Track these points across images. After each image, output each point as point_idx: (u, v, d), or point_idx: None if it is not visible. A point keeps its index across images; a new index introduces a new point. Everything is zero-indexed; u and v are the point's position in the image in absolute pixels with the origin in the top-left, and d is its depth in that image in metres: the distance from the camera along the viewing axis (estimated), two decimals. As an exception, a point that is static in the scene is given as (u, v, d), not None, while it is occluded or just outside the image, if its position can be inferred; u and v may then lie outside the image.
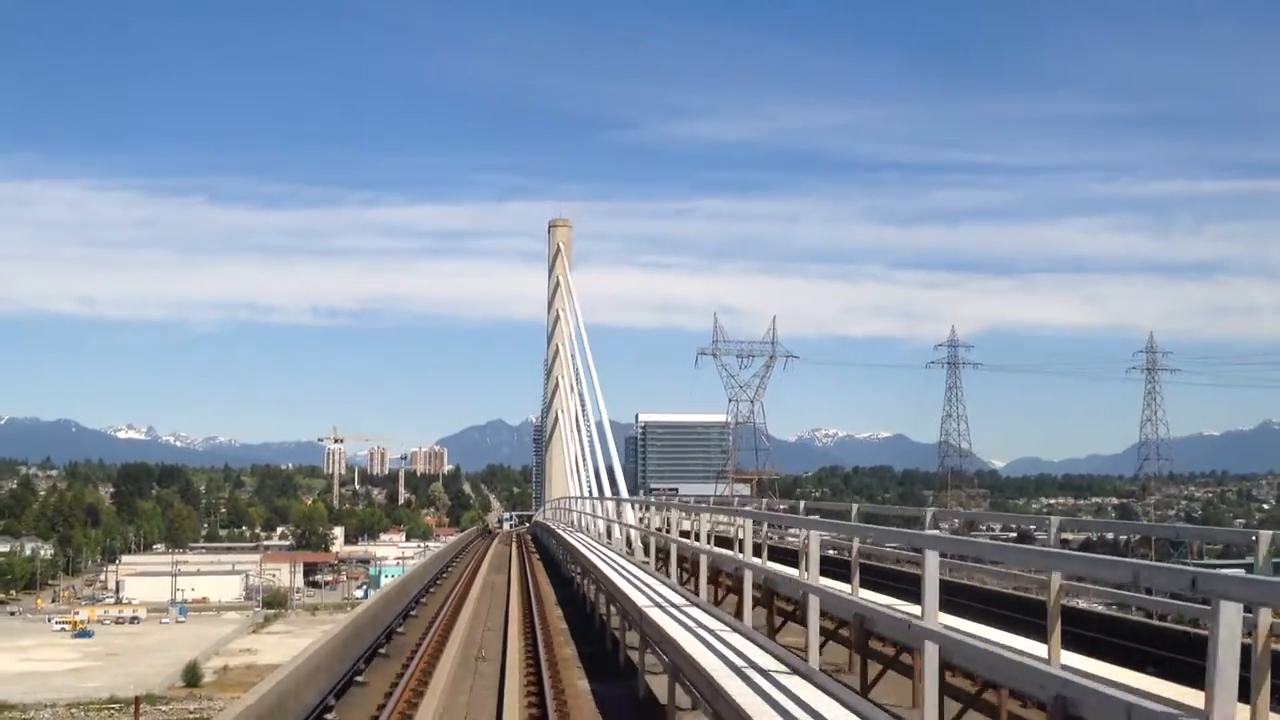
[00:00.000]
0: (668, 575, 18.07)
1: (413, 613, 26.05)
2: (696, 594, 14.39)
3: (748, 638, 10.35)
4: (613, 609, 16.88)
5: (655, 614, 12.36)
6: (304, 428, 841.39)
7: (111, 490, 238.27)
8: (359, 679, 16.83)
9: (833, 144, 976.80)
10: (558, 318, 62.43)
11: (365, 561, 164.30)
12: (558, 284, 63.98)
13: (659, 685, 11.87)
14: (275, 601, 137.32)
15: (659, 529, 22.10)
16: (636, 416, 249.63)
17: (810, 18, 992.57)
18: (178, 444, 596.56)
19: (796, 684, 8.09)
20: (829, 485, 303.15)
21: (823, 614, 9.68)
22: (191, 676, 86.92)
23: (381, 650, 19.64)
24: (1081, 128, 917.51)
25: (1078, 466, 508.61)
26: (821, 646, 9.62)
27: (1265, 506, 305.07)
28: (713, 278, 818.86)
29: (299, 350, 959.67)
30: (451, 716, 13.91)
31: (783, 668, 8.77)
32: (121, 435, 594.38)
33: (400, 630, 22.62)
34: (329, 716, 13.93)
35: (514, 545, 49.09)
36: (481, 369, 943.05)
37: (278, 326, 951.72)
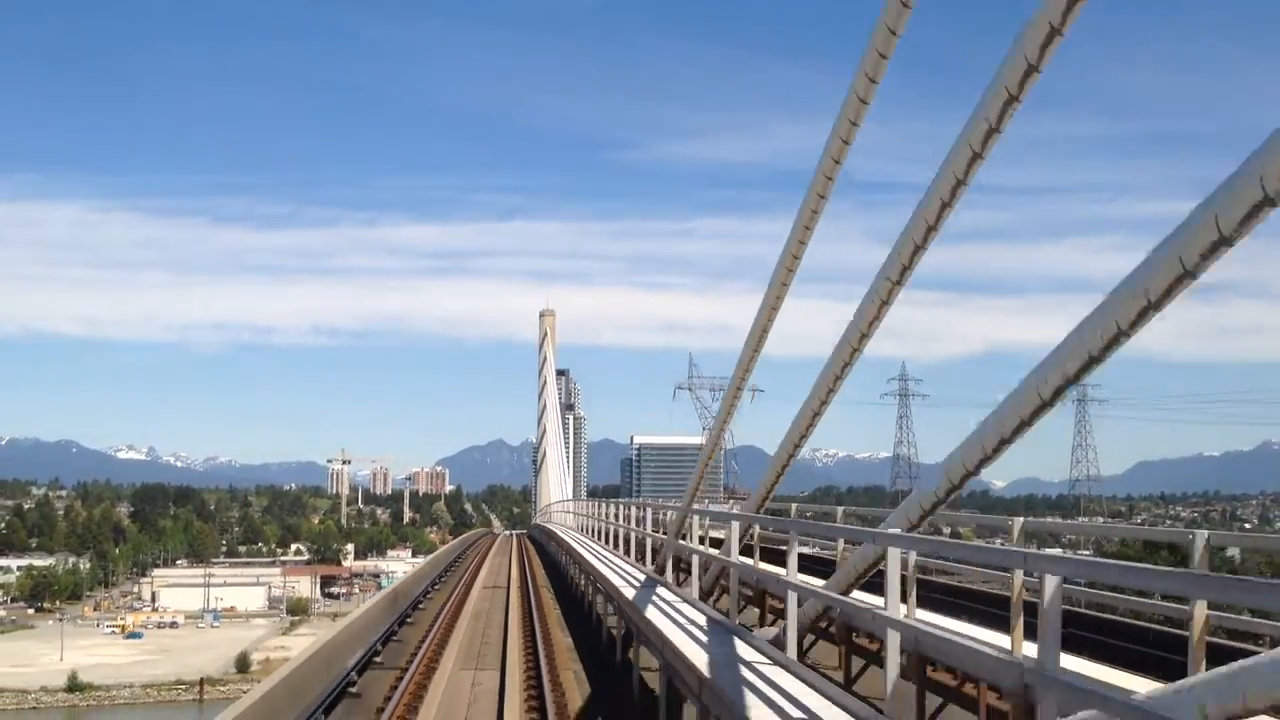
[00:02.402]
0: (592, 537, 37.09)
1: (471, 549, 60.90)
2: (605, 543, 33.27)
3: (620, 558, 29.09)
4: (555, 544, 36.15)
5: (572, 541, 31.47)
6: (304, 448, 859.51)
7: (129, 510, 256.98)
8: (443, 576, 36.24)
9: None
10: (546, 382, 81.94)
11: (376, 575, 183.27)
12: (545, 358, 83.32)
13: (570, 568, 31.04)
14: (298, 609, 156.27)
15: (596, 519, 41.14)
16: (632, 438, 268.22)
17: (810, 38, 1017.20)
18: (178, 464, 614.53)
19: (630, 569, 26.98)
20: (822, 505, 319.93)
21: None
22: (242, 664, 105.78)
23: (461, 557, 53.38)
24: (1083, 148, 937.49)
25: (1078, 487, 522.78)
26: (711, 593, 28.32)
27: (1247, 526, 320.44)
28: (714, 297, 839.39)
29: (300, 370, 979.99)
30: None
31: (629, 566, 27.62)
32: (122, 455, 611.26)
33: (466, 552, 57.98)
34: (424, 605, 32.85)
35: (514, 537, 73.57)
36: (482, 389, 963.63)
37: (278, 347, 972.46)
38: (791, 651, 10.39)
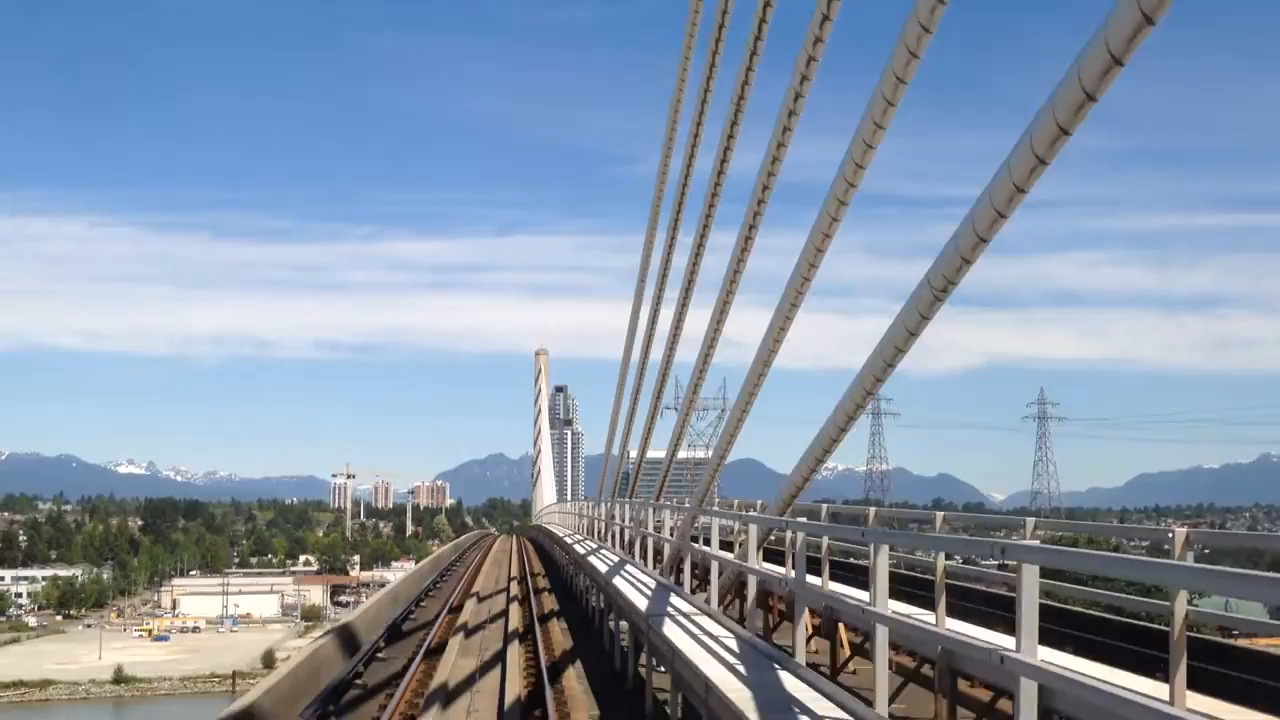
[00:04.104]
0: (574, 530, 50.59)
1: (483, 539, 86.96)
2: (579, 532, 46.68)
3: (589, 541, 42.54)
4: (542, 533, 49.96)
5: (559, 532, 45.16)
6: (305, 462, 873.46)
7: (139, 523, 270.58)
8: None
9: (831, 177, 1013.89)
10: (541, 410, 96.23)
11: (383, 585, 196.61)
12: (540, 390, 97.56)
13: (554, 549, 44.79)
14: (311, 615, 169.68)
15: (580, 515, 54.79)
16: (628, 453, 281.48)
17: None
18: (178, 478, 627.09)
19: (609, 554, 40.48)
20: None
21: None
22: (268, 661, 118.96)
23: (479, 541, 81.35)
24: (1080, 161, 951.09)
25: (1078, 500, 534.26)
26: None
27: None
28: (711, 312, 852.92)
29: (300, 385, 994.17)
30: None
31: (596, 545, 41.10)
32: (122, 470, 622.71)
33: (481, 540, 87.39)
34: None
35: (513, 536, 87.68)
36: (481, 403, 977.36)
37: (279, 361, 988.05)
38: (714, 604, 14.05)
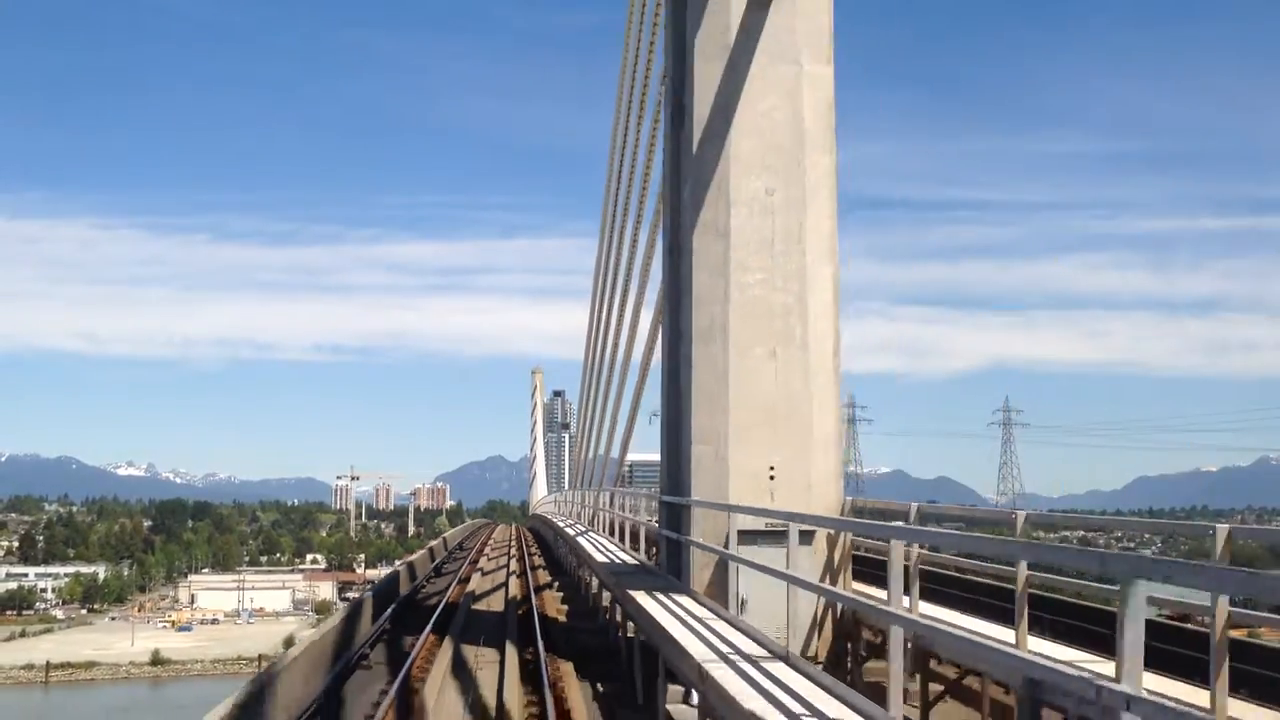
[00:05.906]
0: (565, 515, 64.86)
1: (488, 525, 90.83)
2: (569, 517, 60.76)
3: (577, 526, 56.56)
4: (537, 519, 64.60)
5: (549, 515, 59.54)
6: (304, 464, 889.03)
7: (149, 524, 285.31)
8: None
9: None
10: (536, 421, 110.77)
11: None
12: (535, 405, 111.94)
13: (542, 527, 59.23)
14: (322, 609, 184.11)
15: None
16: (624, 456, 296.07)
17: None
18: (177, 480, 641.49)
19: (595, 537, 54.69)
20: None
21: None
22: (289, 645, 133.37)
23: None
24: (1082, 165, 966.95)
25: (1077, 502, 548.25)
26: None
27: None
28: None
29: (300, 387, 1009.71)
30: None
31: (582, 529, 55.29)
32: (121, 472, 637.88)
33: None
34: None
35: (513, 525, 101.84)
36: (481, 405, 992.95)
37: (280, 363, 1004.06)
38: (627, 543, 23.09)
